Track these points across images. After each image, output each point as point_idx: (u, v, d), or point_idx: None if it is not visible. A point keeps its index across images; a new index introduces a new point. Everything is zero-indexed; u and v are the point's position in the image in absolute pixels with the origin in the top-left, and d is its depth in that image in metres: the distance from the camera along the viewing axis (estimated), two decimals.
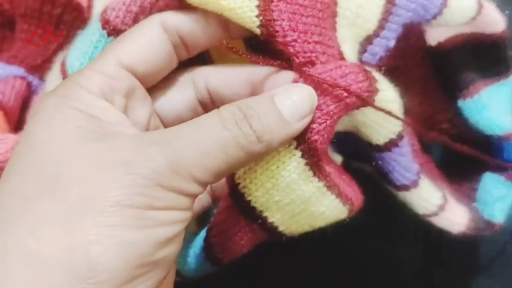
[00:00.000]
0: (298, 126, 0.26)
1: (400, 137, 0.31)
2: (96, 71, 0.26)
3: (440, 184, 0.36)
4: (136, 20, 0.29)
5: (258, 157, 0.26)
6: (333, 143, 0.32)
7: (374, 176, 0.34)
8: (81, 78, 0.26)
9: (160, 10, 0.28)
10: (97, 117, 0.25)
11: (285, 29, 0.27)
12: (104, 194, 0.21)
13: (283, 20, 0.27)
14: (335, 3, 0.30)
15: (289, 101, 0.26)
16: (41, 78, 0.42)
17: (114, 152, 0.23)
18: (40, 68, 0.42)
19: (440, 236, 0.35)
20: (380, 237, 0.38)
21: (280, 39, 0.27)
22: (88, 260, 0.20)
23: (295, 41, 0.27)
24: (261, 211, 0.29)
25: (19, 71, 0.41)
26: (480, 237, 0.29)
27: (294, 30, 0.27)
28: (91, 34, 0.30)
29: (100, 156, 0.23)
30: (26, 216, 0.21)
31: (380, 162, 0.32)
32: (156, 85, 0.30)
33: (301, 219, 0.29)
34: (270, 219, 0.29)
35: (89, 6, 0.42)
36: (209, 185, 0.31)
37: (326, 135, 0.27)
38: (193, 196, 0.24)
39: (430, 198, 0.33)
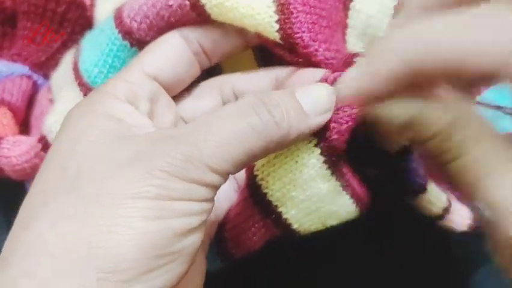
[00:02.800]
0: (316, 120, 0.26)
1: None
2: (121, 79, 0.28)
3: (443, 185, 0.36)
4: (160, 32, 0.29)
5: (277, 147, 0.25)
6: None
7: (374, 179, 0.35)
8: (106, 87, 0.27)
9: (184, 24, 0.29)
10: (121, 119, 0.26)
11: (305, 40, 0.28)
12: (121, 187, 0.22)
13: (303, 31, 0.28)
14: (346, 15, 0.31)
15: (309, 95, 0.26)
16: (46, 76, 0.42)
17: (131, 149, 0.23)
18: (44, 66, 0.42)
19: (442, 234, 0.36)
20: (381, 236, 0.39)
21: (301, 50, 0.28)
22: (106, 250, 0.21)
23: (316, 50, 0.28)
24: (276, 205, 0.29)
25: (23, 69, 0.41)
26: (482, 236, 0.30)
27: (314, 41, 0.28)
28: (108, 42, 0.30)
29: (118, 154, 0.23)
30: (46, 213, 0.22)
31: (391, 169, 0.33)
32: (182, 93, 0.31)
33: (315, 218, 0.29)
34: (285, 215, 0.29)
35: (92, 5, 0.41)
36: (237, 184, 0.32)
37: (345, 136, 0.27)
38: (213, 186, 0.24)
39: (437, 202, 0.34)
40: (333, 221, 0.30)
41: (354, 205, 0.30)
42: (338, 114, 0.27)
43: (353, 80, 0.25)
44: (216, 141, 0.23)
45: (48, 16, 0.41)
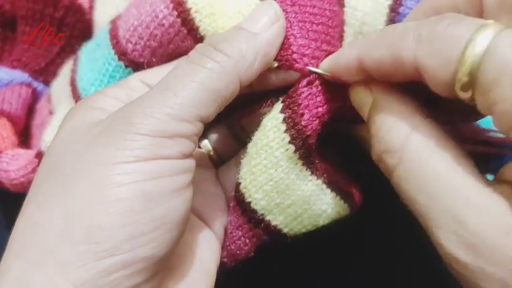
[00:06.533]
0: (268, 33, 0.26)
1: None
2: (118, 85, 0.28)
3: None
4: (154, 54, 0.29)
5: (244, 77, 0.26)
6: (332, 143, 0.32)
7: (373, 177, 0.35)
8: (103, 89, 0.28)
9: (177, 45, 0.29)
10: (105, 109, 0.26)
11: (296, 36, 0.27)
12: (92, 160, 0.23)
13: (293, 29, 0.27)
14: (343, 12, 0.30)
15: (252, 17, 0.27)
16: (45, 82, 0.42)
17: (101, 126, 0.24)
18: (44, 72, 0.42)
19: None
20: (381, 236, 0.38)
21: (293, 48, 0.28)
22: (83, 222, 0.22)
23: (308, 46, 0.27)
24: (262, 214, 0.29)
25: (23, 76, 0.41)
26: None
27: (305, 38, 0.28)
28: (105, 61, 0.30)
29: (89, 134, 0.24)
30: (35, 197, 0.24)
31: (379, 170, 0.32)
32: None
33: (305, 220, 0.29)
34: (273, 223, 0.29)
35: (91, 7, 0.41)
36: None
37: (315, 123, 0.27)
38: (182, 136, 0.24)
39: None
40: (324, 221, 0.30)
41: (342, 201, 0.30)
42: (309, 100, 0.27)
43: (326, 61, 0.27)
44: (172, 90, 0.24)
45: (46, 21, 0.41)
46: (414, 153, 0.22)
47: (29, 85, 0.40)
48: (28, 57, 0.42)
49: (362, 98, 0.25)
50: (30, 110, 0.40)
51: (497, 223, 0.20)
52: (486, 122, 0.39)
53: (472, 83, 0.20)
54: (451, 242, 0.21)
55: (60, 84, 0.36)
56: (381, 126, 0.24)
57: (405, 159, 0.22)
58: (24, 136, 0.39)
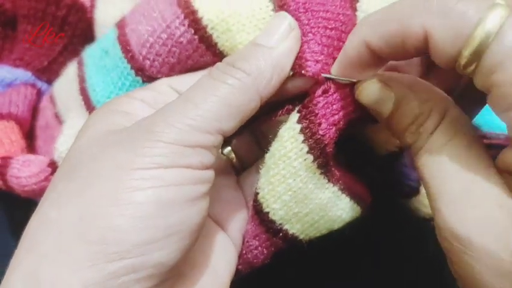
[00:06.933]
0: (284, 46, 0.27)
1: (401, 148, 0.32)
2: (145, 88, 0.29)
3: None
4: (172, 69, 0.29)
5: (264, 93, 0.26)
6: (338, 146, 0.33)
7: (377, 179, 0.35)
8: (130, 92, 0.28)
9: (196, 60, 0.29)
10: (130, 113, 0.26)
11: (310, 43, 0.27)
12: (109, 164, 0.23)
13: (307, 36, 0.27)
14: (355, 17, 0.30)
15: (267, 31, 0.27)
16: (49, 82, 0.42)
17: (123, 132, 0.24)
18: (47, 71, 0.42)
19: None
20: (389, 239, 0.39)
21: (307, 56, 0.27)
22: (97, 223, 0.22)
23: (321, 52, 0.27)
24: (280, 224, 0.29)
25: (26, 74, 0.41)
26: None
27: (318, 43, 0.27)
28: (121, 76, 0.30)
29: (109, 139, 0.24)
30: (51, 195, 0.24)
31: (384, 172, 0.33)
32: None
33: (321, 226, 0.30)
34: (291, 231, 0.30)
35: (92, 6, 0.41)
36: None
37: (333, 130, 0.27)
38: (202, 147, 0.24)
39: None
40: (338, 225, 0.30)
41: (356, 205, 0.30)
42: (324, 109, 0.27)
43: (336, 62, 0.27)
44: (193, 102, 0.24)
45: (48, 19, 0.40)
46: (443, 132, 0.24)
47: (33, 85, 0.40)
48: (30, 56, 0.42)
49: (383, 95, 0.26)
50: (34, 110, 0.40)
51: (494, 196, 0.22)
52: (485, 122, 0.40)
53: (476, 61, 0.21)
54: (451, 211, 0.22)
55: (64, 86, 0.36)
56: (420, 112, 0.25)
57: (433, 138, 0.24)
58: (29, 140, 0.39)
